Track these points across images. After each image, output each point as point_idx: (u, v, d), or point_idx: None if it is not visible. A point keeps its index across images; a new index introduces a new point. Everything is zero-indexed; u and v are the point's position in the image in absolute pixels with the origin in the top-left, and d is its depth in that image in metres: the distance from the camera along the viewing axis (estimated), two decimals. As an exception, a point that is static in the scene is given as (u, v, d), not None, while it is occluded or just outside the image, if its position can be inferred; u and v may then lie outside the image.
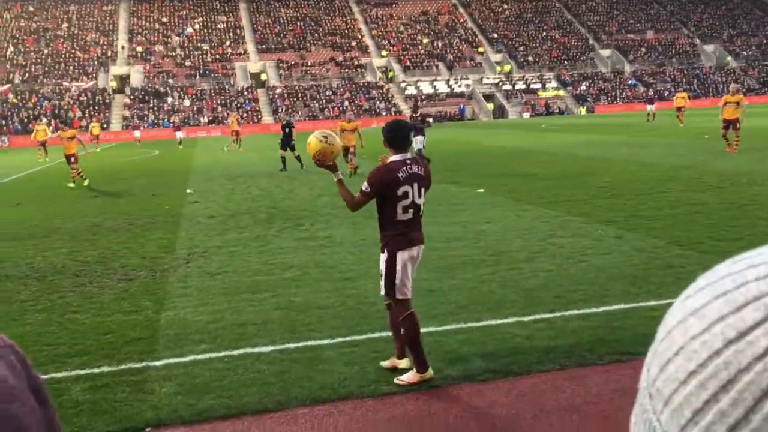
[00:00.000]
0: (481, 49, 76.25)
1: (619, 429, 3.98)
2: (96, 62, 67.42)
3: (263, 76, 68.75)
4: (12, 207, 15.74)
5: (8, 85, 62.28)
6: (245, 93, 65.92)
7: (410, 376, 4.85)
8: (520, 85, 71.25)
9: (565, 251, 8.56)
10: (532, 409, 4.43)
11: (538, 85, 71.50)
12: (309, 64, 70.88)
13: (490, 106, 68.33)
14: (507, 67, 73.14)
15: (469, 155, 24.28)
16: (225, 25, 75.28)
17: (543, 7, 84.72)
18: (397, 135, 4.87)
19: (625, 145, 24.51)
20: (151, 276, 8.40)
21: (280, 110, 63.41)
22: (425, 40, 76.27)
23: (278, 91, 66.68)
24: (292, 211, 13.16)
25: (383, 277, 4.93)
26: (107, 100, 62.67)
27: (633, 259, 7.96)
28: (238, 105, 63.80)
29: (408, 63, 72.68)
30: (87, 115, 59.58)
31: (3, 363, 0.57)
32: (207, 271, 8.47)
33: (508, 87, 70.67)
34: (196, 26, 74.34)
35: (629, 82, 73.18)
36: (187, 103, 63.33)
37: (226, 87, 66.33)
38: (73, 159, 19.49)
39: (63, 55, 67.76)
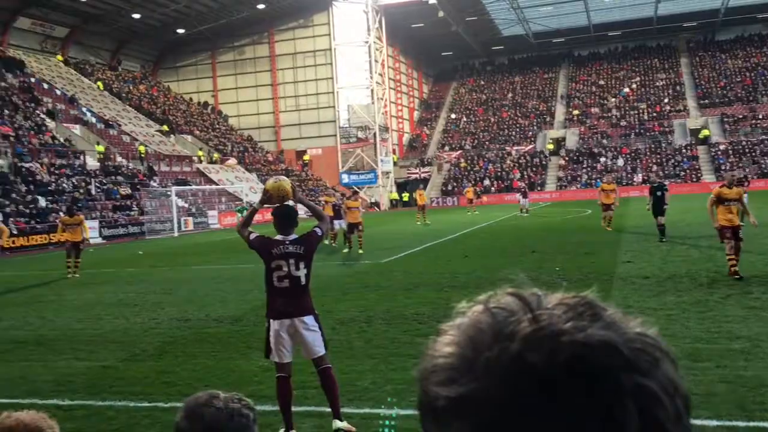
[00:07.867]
0: None
1: None
2: (535, 127, 71.99)
3: (705, 132, 64.54)
4: (461, 258, 17.61)
5: (460, 151, 70.57)
6: (683, 151, 62.72)
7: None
8: None
9: None
10: None
11: None
12: (760, 117, 64.15)
13: None
14: None
15: None
16: (664, 83, 73.21)
17: None
18: (278, 220, 5.76)
19: None
20: (585, 332, 8.45)
21: (723, 167, 58.58)
22: None
23: (722, 147, 61.76)
24: (739, 277, 11.93)
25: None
26: (543, 162, 66.14)
27: None
28: (675, 163, 60.99)
29: None
30: (525, 176, 63.75)
31: None
32: (642, 333, 8.18)
33: None
34: (633, 86, 73.92)
35: None
36: (620, 162, 63.01)
37: (663, 145, 64.08)
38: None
39: (506, 122, 74.10)
